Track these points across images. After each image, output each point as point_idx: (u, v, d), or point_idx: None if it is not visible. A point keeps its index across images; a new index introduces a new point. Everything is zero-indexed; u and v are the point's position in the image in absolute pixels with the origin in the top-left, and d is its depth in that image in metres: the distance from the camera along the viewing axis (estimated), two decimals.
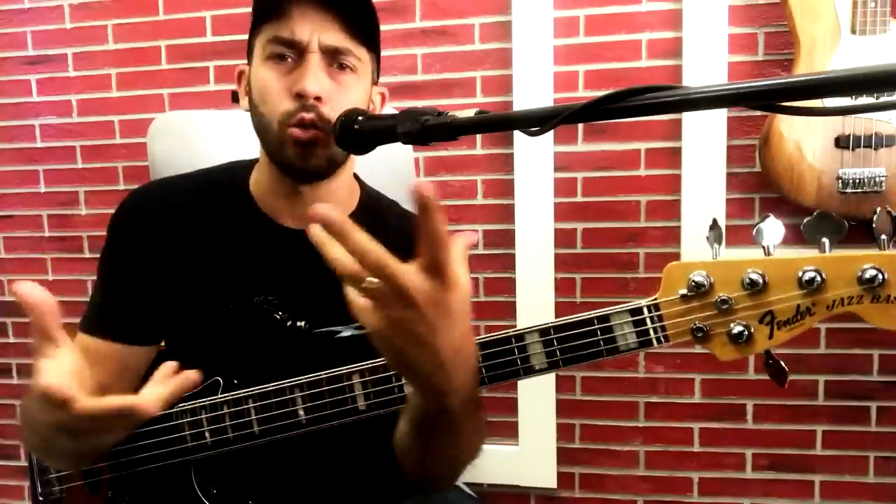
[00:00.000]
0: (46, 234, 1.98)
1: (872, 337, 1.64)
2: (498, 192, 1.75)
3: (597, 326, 0.74)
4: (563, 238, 1.72)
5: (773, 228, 0.70)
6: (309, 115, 0.85)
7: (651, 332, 0.74)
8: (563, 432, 1.78)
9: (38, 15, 1.91)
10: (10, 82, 1.95)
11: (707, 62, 1.59)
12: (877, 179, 1.42)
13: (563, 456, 1.79)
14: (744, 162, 1.64)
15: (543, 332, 0.75)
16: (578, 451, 1.79)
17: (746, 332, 0.70)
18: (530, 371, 0.76)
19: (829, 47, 1.44)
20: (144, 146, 1.38)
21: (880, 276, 0.66)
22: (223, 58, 1.83)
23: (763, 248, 0.71)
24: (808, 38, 1.45)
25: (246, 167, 1.00)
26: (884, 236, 0.67)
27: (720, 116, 1.61)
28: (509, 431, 1.80)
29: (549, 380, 1.75)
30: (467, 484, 1.18)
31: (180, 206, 0.95)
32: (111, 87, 1.90)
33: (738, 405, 1.71)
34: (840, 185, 1.44)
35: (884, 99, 1.07)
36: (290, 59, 0.87)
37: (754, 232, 0.71)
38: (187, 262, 0.94)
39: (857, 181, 1.43)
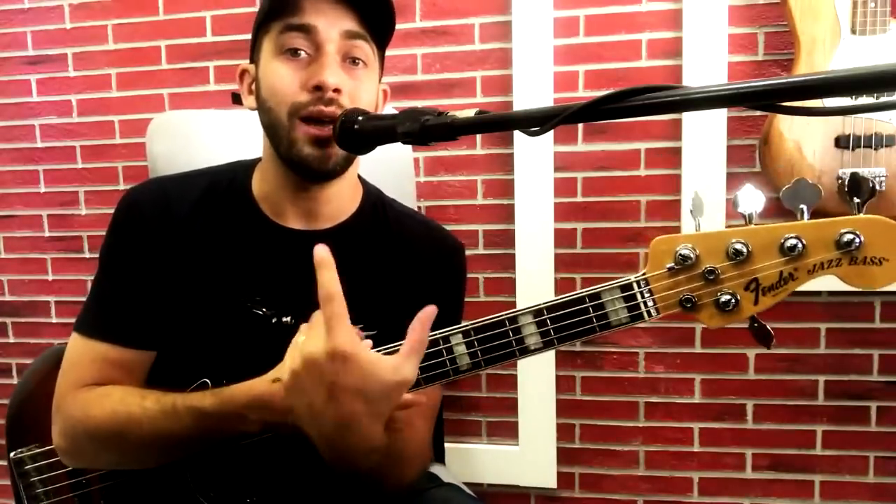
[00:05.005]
0: (46, 234, 1.98)
1: (872, 337, 1.64)
2: (498, 192, 1.75)
3: (588, 304, 0.76)
4: (563, 238, 1.72)
5: (750, 196, 0.72)
6: (329, 109, 0.83)
7: (642, 305, 0.75)
8: (563, 432, 1.78)
9: (38, 15, 1.91)
10: (10, 82, 1.95)
11: (707, 62, 1.59)
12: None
13: (563, 456, 1.79)
14: (744, 162, 1.64)
15: (537, 312, 0.77)
16: (578, 451, 1.79)
17: (733, 300, 0.72)
18: (526, 351, 0.77)
19: (829, 47, 1.44)
20: (144, 146, 1.38)
21: (857, 240, 0.68)
22: (223, 58, 1.83)
23: (743, 217, 0.73)
24: (808, 38, 1.44)
25: (247, 167, 0.98)
26: (857, 199, 0.69)
27: (720, 116, 1.61)
28: (509, 431, 1.80)
29: (549, 380, 1.75)
30: (467, 484, 1.18)
31: (181, 208, 0.94)
32: (111, 87, 1.89)
33: (738, 405, 1.71)
34: (840, 185, 1.44)
35: (884, 99, 1.07)
36: (304, 54, 0.85)
37: (733, 200, 0.73)
38: (187, 265, 0.92)
39: None
